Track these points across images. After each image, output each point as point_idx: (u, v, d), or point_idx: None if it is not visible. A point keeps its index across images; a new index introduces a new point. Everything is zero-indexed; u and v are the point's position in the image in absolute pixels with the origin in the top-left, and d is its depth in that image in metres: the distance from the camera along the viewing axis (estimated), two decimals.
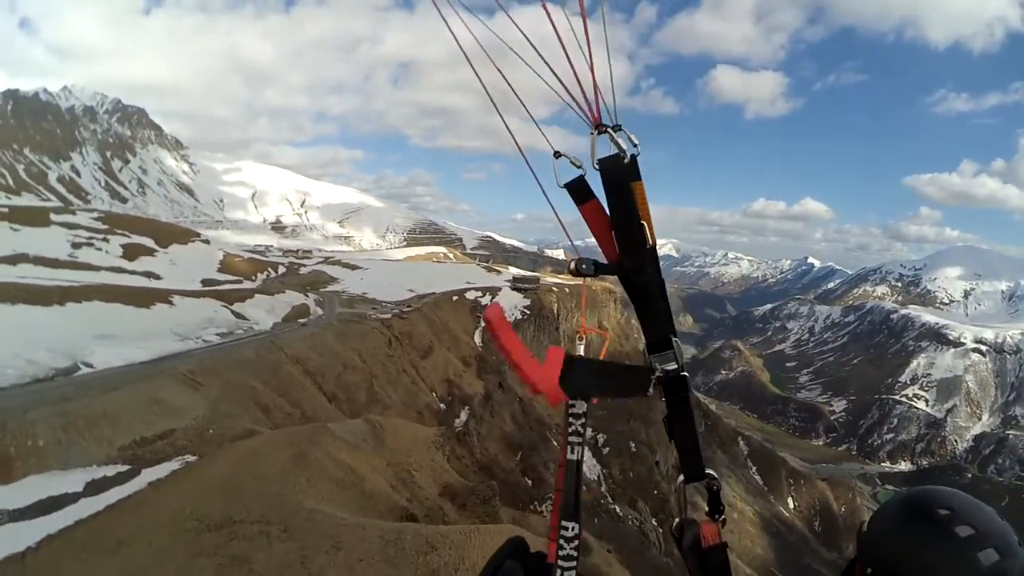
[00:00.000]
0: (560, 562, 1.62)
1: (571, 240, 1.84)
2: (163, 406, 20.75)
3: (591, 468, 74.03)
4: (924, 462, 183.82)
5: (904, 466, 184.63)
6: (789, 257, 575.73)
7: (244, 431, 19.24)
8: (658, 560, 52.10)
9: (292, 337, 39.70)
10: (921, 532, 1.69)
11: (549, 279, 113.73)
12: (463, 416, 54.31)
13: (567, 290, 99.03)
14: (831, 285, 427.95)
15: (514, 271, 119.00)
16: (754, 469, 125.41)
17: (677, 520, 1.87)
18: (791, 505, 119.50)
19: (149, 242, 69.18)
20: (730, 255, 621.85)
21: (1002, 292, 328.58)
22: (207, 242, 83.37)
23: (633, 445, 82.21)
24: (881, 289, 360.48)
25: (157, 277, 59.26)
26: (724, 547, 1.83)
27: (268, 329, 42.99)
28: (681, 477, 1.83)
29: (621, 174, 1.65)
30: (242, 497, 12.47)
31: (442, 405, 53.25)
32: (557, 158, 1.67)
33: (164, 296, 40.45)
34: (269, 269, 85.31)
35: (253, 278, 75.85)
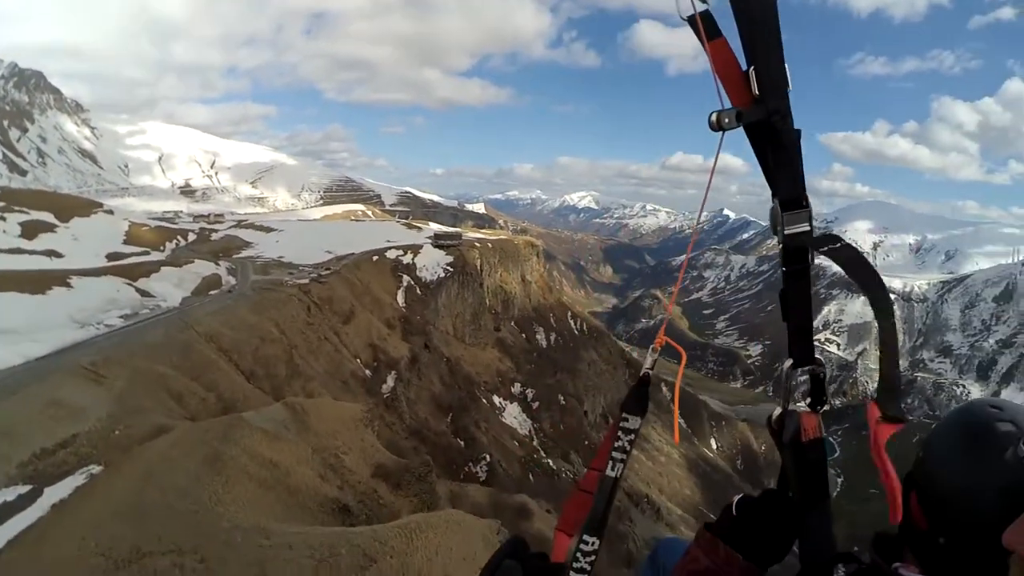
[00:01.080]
0: (573, 574, 1.77)
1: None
2: (63, 408, 18.68)
3: (522, 424, 74.54)
4: (837, 402, 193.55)
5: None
6: (706, 209, 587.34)
7: (154, 428, 17.65)
8: None
9: (203, 312, 37.37)
10: (966, 426, 1.65)
11: (471, 234, 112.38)
12: (390, 381, 53.36)
13: (489, 245, 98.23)
14: (746, 236, 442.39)
15: (435, 227, 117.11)
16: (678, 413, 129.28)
17: (778, 411, 1.80)
18: (714, 446, 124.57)
19: (49, 217, 63.85)
20: (648, 207, 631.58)
21: (909, 245, 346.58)
22: (111, 212, 77.84)
23: (562, 398, 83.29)
24: None
25: (59, 255, 54.71)
26: (822, 442, 1.76)
27: (177, 305, 40.26)
28: (789, 361, 1.75)
29: (770, 7, 1.53)
30: (152, 520, 11.22)
31: (368, 371, 52.02)
32: None
33: (61, 278, 37.18)
34: (178, 237, 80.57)
35: (162, 248, 71.66)
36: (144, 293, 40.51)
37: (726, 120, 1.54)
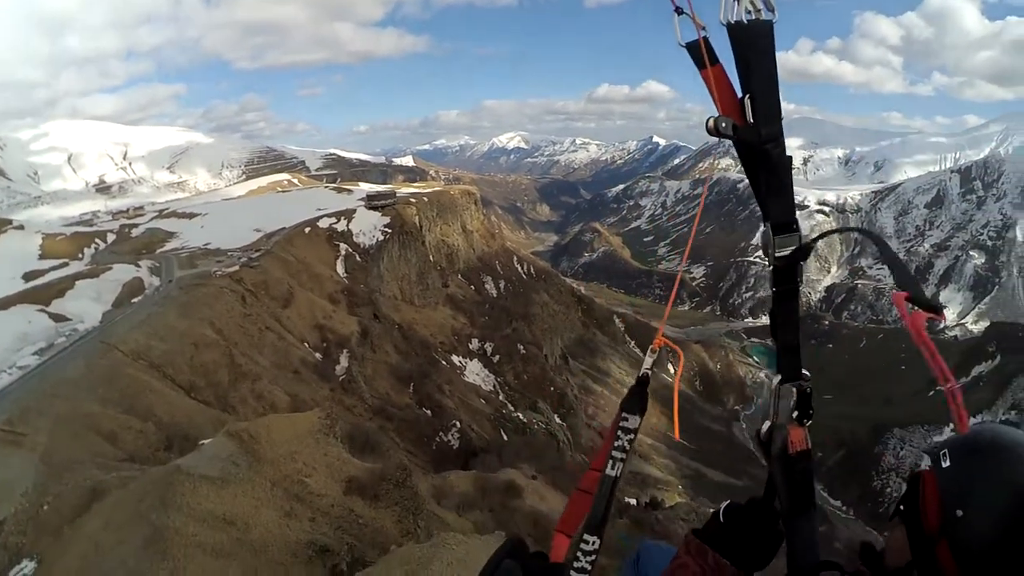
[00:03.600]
0: (574, 574, 1.86)
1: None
2: None
3: (485, 380, 73.18)
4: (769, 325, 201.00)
5: (765, 320, 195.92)
6: (635, 138, 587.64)
7: (86, 492, 14.76)
8: (574, 465, 52.11)
9: (127, 327, 33.83)
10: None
11: (404, 190, 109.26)
12: (343, 361, 50.96)
13: (425, 199, 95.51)
14: (677, 161, 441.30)
15: (366, 188, 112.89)
16: (632, 343, 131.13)
17: (767, 424, 1.80)
18: (671, 371, 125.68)
19: None
20: (578, 141, 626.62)
21: (839, 158, 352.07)
22: (21, 228, 73.75)
23: (521, 347, 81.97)
24: (725, 161, 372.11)
25: None
26: (809, 454, 1.79)
27: (98, 323, 36.58)
28: (778, 377, 1.81)
29: (766, 38, 1.59)
30: None
31: (318, 355, 49.44)
32: (679, 15, 1.61)
33: None
34: (96, 240, 75.02)
35: (80, 256, 67.01)
36: (59, 318, 36.64)
37: (723, 126, 1.58)
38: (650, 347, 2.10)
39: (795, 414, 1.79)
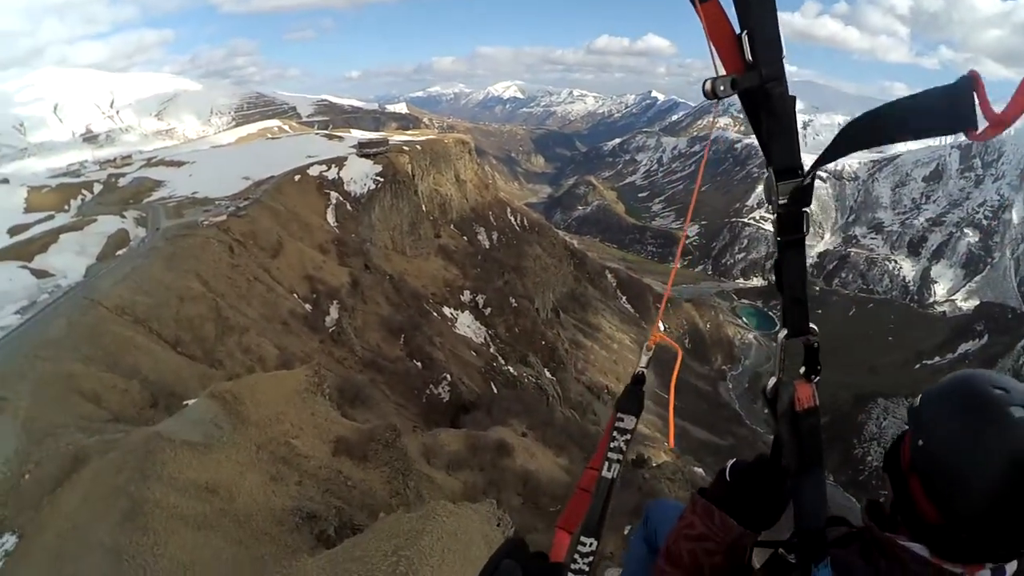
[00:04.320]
0: None
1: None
2: None
3: (476, 332, 72.95)
4: (774, 277, 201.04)
5: (756, 282, 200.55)
6: (633, 92, 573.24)
7: (69, 459, 14.30)
8: (563, 420, 52.24)
9: (110, 281, 33.04)
10: (978, 409, 1.57)
11: (397, 138, 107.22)
12: (333, 312, 50.58)
13: (418, 148, 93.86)
14: (675, 117, 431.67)
15: (358, 135, 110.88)
16: (624, 299, 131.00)
17: (773, 380, 1.77)
18: (661, 328, 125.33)
19: None
20: (576, 93, 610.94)
21: (838, 124, 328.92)
22: (6, 181, 72.94)
23: (513, 300, 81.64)
24: (724, 120, 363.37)
25: None
26: (817, 411, 1.71)
27: (81, 278, 35.83)
28: (784, 331, 1.76)
29: None
30: None
31: (307, 306, 49.08)
32: None
33: None
34: (83, 191, 74.04)
35: (66, 207, 66.26)
36: (42, 273, 36.04)
37: (721, 88, 1.51)
38: (645, 344, 2.06)
39: (802, 370, 1.73)
